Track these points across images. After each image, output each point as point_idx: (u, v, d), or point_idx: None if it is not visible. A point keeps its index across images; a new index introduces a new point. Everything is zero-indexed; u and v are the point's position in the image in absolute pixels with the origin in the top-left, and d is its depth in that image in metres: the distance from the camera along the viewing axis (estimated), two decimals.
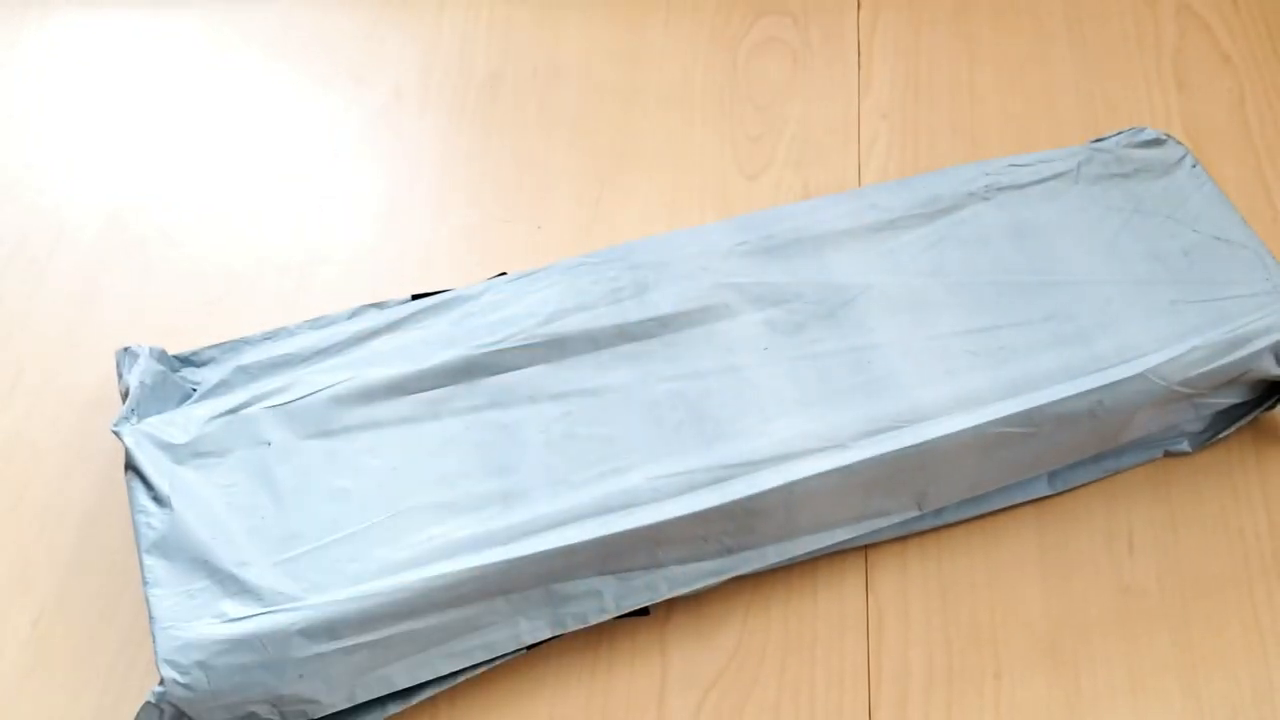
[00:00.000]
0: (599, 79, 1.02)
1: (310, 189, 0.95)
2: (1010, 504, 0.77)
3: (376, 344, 0.77)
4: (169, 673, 0.63)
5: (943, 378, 0.74)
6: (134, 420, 0.72)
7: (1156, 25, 1.05)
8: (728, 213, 0.93)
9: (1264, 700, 0.71)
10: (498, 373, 0.75)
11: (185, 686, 0.63)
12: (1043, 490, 0.78)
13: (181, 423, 0.72)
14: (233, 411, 0.73)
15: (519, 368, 0.75)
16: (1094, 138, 0.88)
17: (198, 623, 0.65)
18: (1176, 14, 1.06)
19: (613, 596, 0.70)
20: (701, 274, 0.78)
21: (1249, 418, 0.80)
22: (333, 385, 0.74)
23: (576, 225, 0.93)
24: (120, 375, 0.75)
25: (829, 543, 0.73)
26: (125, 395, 0.74)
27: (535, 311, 0.77)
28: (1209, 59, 1.02)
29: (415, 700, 0.69)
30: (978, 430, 0.72)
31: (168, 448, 0.71)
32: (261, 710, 0.65)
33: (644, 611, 0.72)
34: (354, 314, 0.80)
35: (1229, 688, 0.71)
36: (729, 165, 0.96)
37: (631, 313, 0.76)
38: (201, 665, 0.63)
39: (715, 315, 0.77)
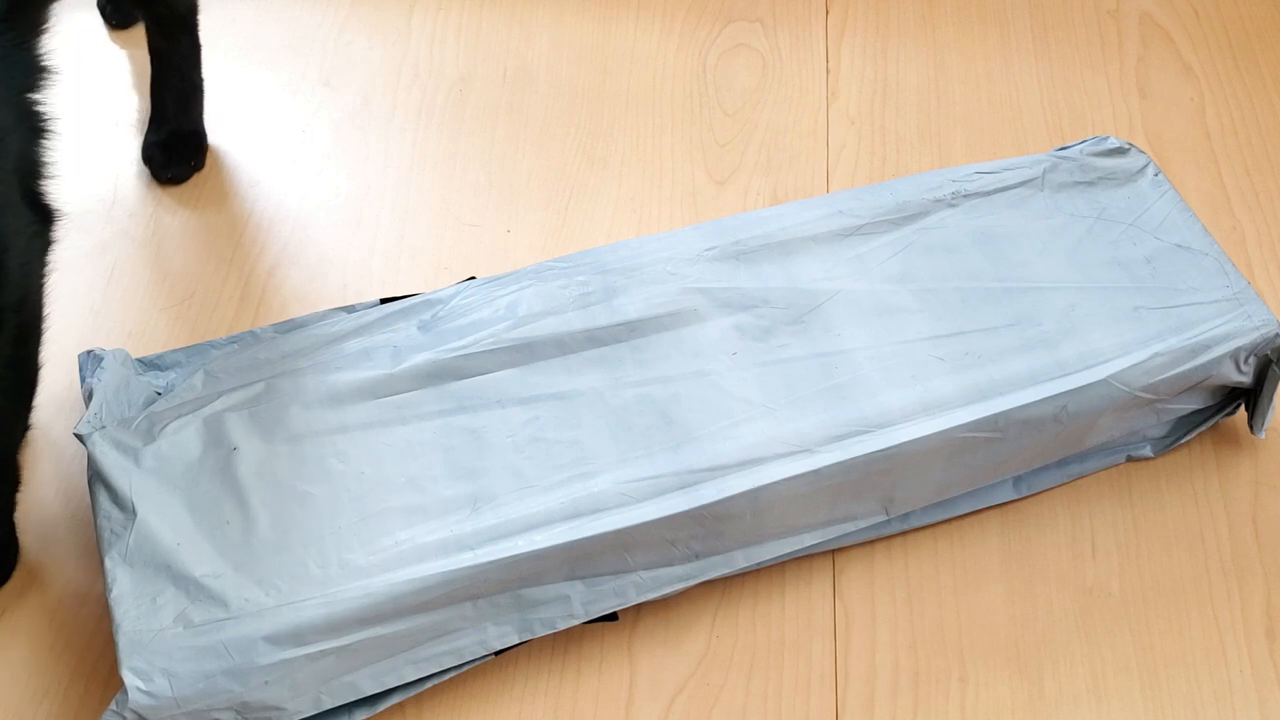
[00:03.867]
0: (569, 83, 1.02)
1: (278, 192, 0.95)
2: (976, 508, 0.78)
3: (345, 347, 0.76)
4: (132, 680, 0.62)
5: (909, 383, 0.74)
6: (98, 424, 0.72)
7: (1120, 35, 1.06)
8: (697, 217, 0.93)
9: (1224, 700, 0.72)
10: (466, 377, 0.74)
11: (148, 694, 0.62)
12: (1008, 494, 0.79)
13: (146, 427, 0.72)
14: (198, 415, 0.72)
15: (487, 372, 0.75)
16: (1058, 146, 0.89)
17: (161, 629, 0.64)
18: (1139, 24, 1.07)
19: (581, 602, 0.70)
20: (670, 279, 0.79)
21: (1210, 423, 0.81)
22: (300, 389, 0.73)
23: (546, 229, 0.93)
24: (83, 379, 0.75)
25: (796, 547, 0.74)
26: (89, 399, 0.73)
27: (504, 316, 0.77)
28: (1171, 69, 1.04)
29: (382, 707, 0.69)
30: (944, 435, 0.72)
31: (132, 452, 0.71)
32: (226, 717, 0.64)
33: (612, 617, 0.72)
34: (322, 317, 0.79)
35: (1189, 688, 0.72)
36: (698, 170, 0.97)
37: (600, 317, 0.77)
38: (165, 672, 0.63)
39: (684, 320, 0.77)
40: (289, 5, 1.06)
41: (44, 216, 0.71)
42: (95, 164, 0.96)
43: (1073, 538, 0.78)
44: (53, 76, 0.69)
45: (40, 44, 0.69)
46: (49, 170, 0.70)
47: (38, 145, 0.69)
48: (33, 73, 0.68)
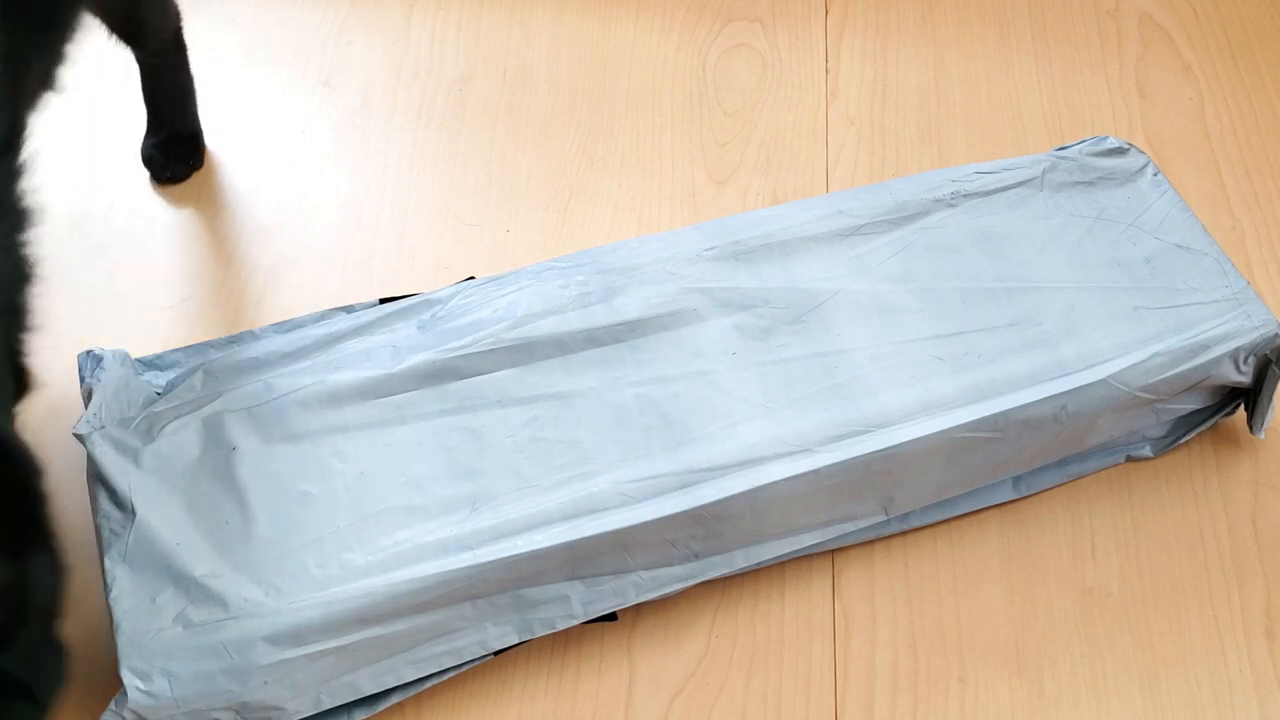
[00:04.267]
0: (568, 82, 1.02)
1: (278, 192, 0.95)
2: (976, 508, 0.78)
3: (344, 347, 0.76)
4: (131, 680, 0.62)
5: (909, 382, 0.74)
6: (97, 424, 0.72)
7: (1119, 35, 1.06)
8: (696, 217, 0.93)
9: (1223, 700, 0.72)
10: (466, 377, 0.74)
11: (147, 694, 0.62)
12: (1008, 495, 0.79)
13: (145, 427, 0.72)
14: (197, 415, 0.72)
15: (487, 372, 0.75)
16: (1058, 146, 0.89)
17: (161, 630, 0.64)
18: (1139, 24, 1.07)
19: (581, 602, 0.70)
20: (670, 279, 0.79)
21: (1209, 423, 0.81)
22: (299, 389, 0.73)
23: (545, 229, 0.93)
24: (83, 378, 0.75)
25: (796, 547, 0.74)
26: (88, 398, 0.73)
27: (503, 315, 0.77)
28: (1170, 69, 1.04)
29: (381, 707, 0.69)
30: (944, 435, 0.72)
31: (131, 452, 0.71)
32: (225, 717, 0.64)
33: (611, 617, 0.72)
34: (321, 317, 0.79)
35: (1189, 688, 0.72)
36: (698, 170, 0.97)
37: (600, 317, 0.77)
38: (165, 672, 0.63)
39: (683, 320, 0.77)
40: (289, 5, 1.06)
41: (19, 381, 0.64)
42: (95, 164, 0.96)
43: (1072, 538, 0.78)
44: (38, 218, 0.64)
45: (24, 184, 0.65)
46: (31, 327, 0.63)
47: (24, 293, 0.63)
48: (20, 215, 0.64)
